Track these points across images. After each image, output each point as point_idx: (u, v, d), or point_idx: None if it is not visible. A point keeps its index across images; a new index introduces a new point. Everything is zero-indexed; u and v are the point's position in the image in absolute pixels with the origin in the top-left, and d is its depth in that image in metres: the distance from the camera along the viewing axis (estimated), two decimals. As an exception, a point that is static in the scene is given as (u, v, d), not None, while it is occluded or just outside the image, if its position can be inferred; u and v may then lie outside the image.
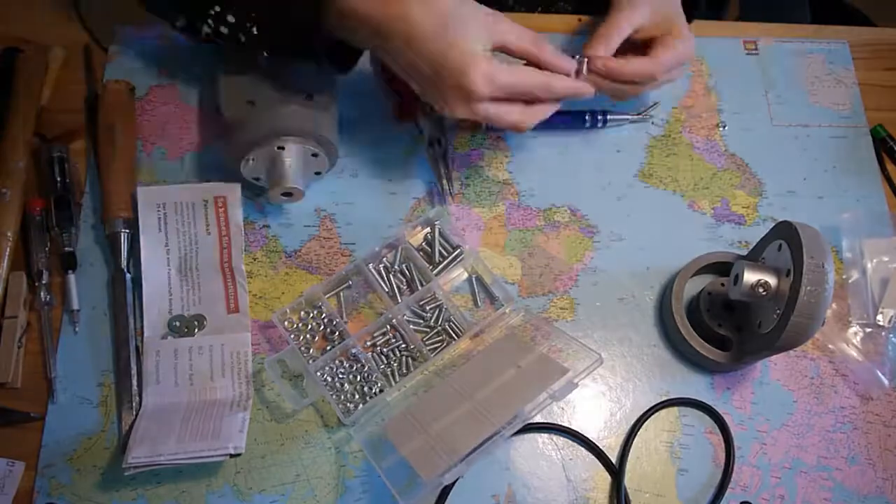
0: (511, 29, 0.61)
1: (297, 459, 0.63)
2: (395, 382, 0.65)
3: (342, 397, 0.65)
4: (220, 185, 0.71)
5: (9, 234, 0.67)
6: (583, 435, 0.65)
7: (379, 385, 0.65)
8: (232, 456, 0.59)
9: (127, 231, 0.68)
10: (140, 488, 0.61)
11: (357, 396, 0.65)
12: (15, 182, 0.69)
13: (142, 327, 0.66)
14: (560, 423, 0.65)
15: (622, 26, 0.67)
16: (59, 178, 0.70)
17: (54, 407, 0.64)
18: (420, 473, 0.55)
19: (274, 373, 0.64)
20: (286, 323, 0.67)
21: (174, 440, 0.59)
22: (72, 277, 0.67)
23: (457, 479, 0.62)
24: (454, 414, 0.59)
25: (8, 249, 0.67)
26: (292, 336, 0.66)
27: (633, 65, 0.67)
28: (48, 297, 0.66)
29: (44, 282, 0.67)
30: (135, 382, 0.64)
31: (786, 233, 0.60)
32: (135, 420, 0.61)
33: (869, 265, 0.71)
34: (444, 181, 0.72)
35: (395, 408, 0.64)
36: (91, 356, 0.65)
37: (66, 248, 0.68)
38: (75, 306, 0.66)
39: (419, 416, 0.60)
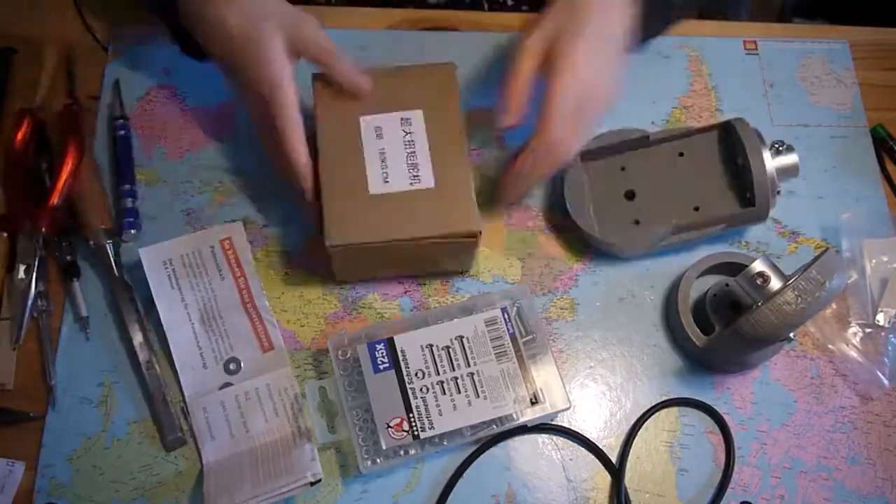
0: (312, 38, 0.62)
1: (298, 459, 0.63)
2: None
3: (367, 445, 0.61)
4: (221, 227, 0.69)
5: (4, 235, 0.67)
6: (583, 435, 0.65)
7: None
8: (312, 484, 0.59)
9: (111, 241, 0.67)
10: (140, 488, 0.61)
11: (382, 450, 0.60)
12: (11, 184, 0.69)
13: (180, 389, 0.64)
14: (560, 423, 0.65)
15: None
16: (56, 180, 0.70)
17: (54, 407, 0.64)
18: None
19: (311, 398, 0.63)
20: (339, 353, 0.63)
21: (249, 485, 0.58)
22: (77, 285, 0.67)
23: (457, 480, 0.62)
24: None
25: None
26: (341, 368, 0.63)
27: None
28: (45, 304, 0.66)
29: (41, 289, 0.66)
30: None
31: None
32: (202, 478, 0.61)
33: (868, 265, 0.70)
34: None
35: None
36: (91, 357, 0.65)
37: (68, 257, 0.67)
38: (84, 313, 0.66)
39: None
